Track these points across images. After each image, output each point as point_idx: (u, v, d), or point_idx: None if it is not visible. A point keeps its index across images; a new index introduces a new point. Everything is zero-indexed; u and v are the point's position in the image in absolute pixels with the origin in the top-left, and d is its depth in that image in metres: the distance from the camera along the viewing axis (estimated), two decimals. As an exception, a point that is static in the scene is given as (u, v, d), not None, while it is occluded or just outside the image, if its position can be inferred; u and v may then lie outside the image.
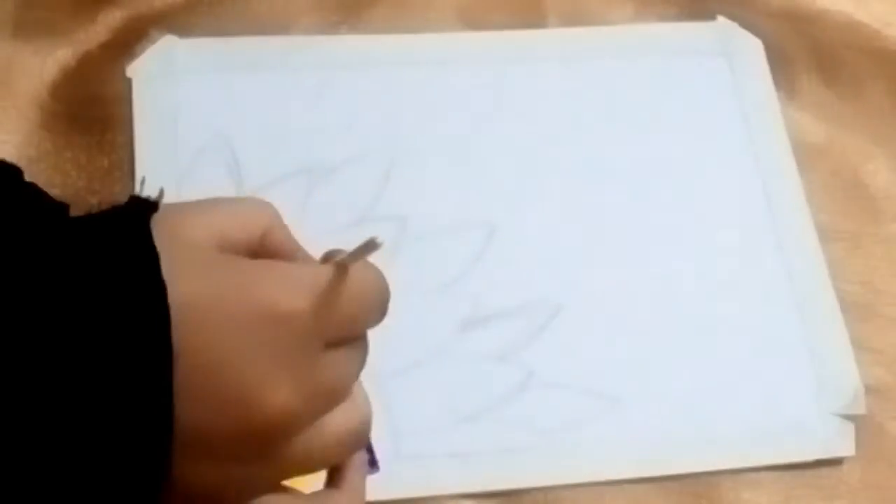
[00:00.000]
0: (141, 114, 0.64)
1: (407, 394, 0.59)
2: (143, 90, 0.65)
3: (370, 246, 0.41)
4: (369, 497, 0.56)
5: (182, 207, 0.44)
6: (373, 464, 0.57)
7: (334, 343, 0.42)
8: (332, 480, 0.46)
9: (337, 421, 0.43)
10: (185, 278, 0.39)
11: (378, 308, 0.44)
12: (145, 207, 0.42)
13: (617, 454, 0.59)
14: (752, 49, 0.73)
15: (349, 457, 0.45)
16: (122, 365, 0.38)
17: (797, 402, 0.62)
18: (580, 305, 0.63)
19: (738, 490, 0.59)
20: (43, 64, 0.66)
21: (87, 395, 0.38)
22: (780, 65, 0.72)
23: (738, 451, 0.60)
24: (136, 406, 0.38)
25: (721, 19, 0.73)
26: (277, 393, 0.40)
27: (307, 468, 0.43)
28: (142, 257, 0.39)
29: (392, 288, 0.59)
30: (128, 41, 0.67)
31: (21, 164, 0.60)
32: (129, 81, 0.66)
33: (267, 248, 0.44)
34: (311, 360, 0.41)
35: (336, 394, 0.43)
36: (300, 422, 0.41)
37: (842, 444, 0.61)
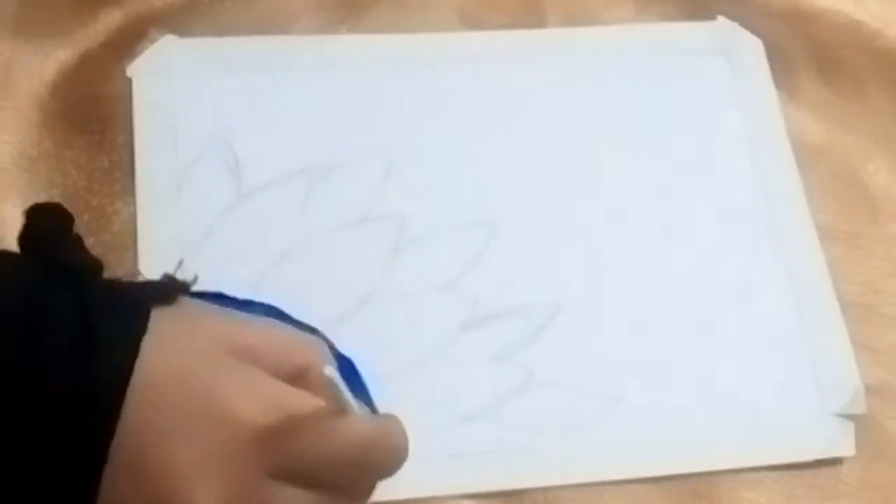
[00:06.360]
0: (141, 114, 0.64)
1: (407, 394, 0.59)
2: (143, 90, 0.65)
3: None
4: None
5: (222, 311, 0.42)
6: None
7: (288, 477, 0.40)
8: None
9: None
10: (159, 356, 0.38)
11: (352, 469, 0.41)
12: (168, 288, 0.41)
13: (617, 454, 0.59)
14: (752, 49, 0.73)
15: None
16: (62, 424, 0.37)
17: (797, 402, 0.62)
18: (580, 305, 0.63)
19: (738, 490, 0.59)
20: (43, 64, 0.66)
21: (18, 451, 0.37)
22: (780, 65, 0.72)
23: (738, 451, 0.60)
24: (63, 472, 0.37)
25: (721, 19, 0.73)
26: (201, 495, 0.38)
27: None
28: (127, 328, 0.38)
29: (392, 288, 0.58)
30: (128, 41, 0.67)
31: (21, 164, 0.60)
32: (129, 81, 0.66)
33: (309, 381, 0.41)
34: (249, 478, 0.39)
35: None
36: None
37: (842, 444, 0.61)
